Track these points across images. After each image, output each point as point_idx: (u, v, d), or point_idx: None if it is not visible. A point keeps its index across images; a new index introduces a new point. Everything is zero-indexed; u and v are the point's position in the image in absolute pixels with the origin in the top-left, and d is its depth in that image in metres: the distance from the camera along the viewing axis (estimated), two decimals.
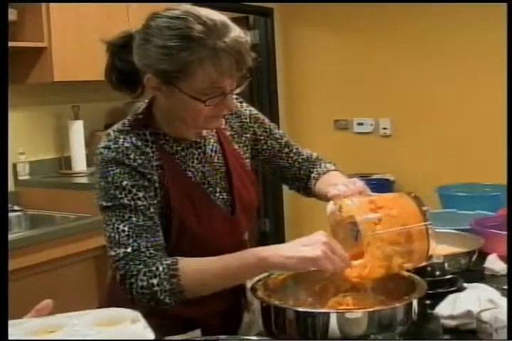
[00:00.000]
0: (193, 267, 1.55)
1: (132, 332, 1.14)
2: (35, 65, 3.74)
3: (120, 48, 1.64)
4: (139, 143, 1.62)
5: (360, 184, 1.67)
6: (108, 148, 1.61)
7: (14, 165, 3.96)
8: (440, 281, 1.90)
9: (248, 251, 1.55)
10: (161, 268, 1.54)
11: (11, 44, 3.62)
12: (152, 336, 1.12)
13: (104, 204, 1.60)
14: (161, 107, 1.67)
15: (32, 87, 3.99)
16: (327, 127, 5.58)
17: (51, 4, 3.66)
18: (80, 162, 4.11)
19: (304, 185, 1.95)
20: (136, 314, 1.20)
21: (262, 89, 5.75)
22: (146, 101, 1.73)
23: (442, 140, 5.06)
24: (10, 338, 1.14)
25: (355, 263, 1.51)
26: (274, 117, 5.69)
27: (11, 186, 3.94)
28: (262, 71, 5.70)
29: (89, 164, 4.10)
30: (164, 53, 1.50)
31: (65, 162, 4.18)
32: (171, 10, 1.56)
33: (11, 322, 1.21)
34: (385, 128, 5.34)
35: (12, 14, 3.60)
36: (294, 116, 5.75)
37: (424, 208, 1.56)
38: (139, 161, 1.60)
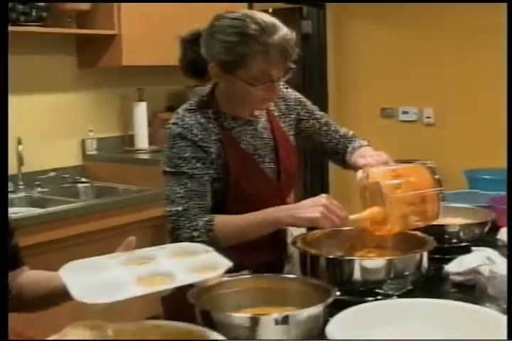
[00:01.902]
0: (225, 223, 1.93)
1: (213, 260, 1.48)
2: (106, 50, 4.06)
3: (191, 43, 1.99)
4: (203, 120, 1.97)
5: (384, 156, 2.03)
6: (176, 124, 1.98)
7: (83, 141, 4.30)
8: (456, 248, 2.20)
9: (266, 211, 1.91)
10: (200, 224, 1.92)
11: (84, 31, 3.99)
12: (229, 262, 1.44)
13: (167, 169, 1.98)
14: (222, 91, 2.01)
15: (101, 71, 4.32)
16: (374, 115, 5.81)
17: None
18: (142, 140, 4.43)
19: (341, 158, 2.28)
20: (206, 246, 1.54)
21: (313, 78, 6.00)
22: (209, 86, 2.08)
23: (480, 128, 5.25)
24: (110, 269, 1.45)
25: (377, 220, 1.85)
26: (324, 104, 5.93)
27: (79, 160, 4.30)
28: (313, 60, 5.94)
29: (150, 142, 4.45)
30: (225, 47, 1.86)
31: (129, 139, 4.51)
32: (232, 12, 1.91)
33: (106, 256, 1.54)
34: (428, 117, 5.57)
35: (85, 4, 3.95)
36: (343, 103, 5.99)
37: (437, 177, 1.88)
38: (200, 136, 1.96)
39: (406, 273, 1.77)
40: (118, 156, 4.37)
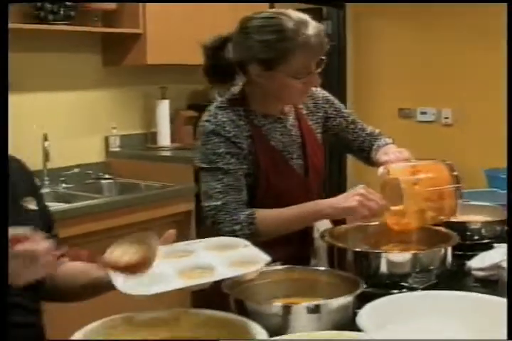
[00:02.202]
0: (266, 216, 2.00)
1: (251, 254, 1.53)
2: (131, 49, 4.12)
3: (215, 50, 2.05)
4: (234, 118, 2.03)
5: (406, 153, 2.11)
6: (209, 121, 2.04)
7: (106, 138, 4.37)
8: (478, 245, 2.25)
9: (307, 204, 1.99)
10: (242, 217, 1.98)
11: (110, 30, 4.06)
12: (268, 257, 1.50)
13: (203, 165, 2.04)
14: (257, 89, 2.07)
15: (125, 69, 4.39)
16: (392, 115, 5.85)
17: None
18: (164, 137, 4.49)
19: (367, 155, 2.34)
20: (244, 241, 1.59)
21: (332, 78, 6.02)
22: (240, 84, 2.14)
23: (498, 128, 5.27)
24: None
25: (396, 214, 1.90)
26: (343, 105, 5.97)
27: (102, 157, 4.37)
28: (332, 60, 5.98)
29: (172, 139, 4.51)
30: (265, 45, 1.94)
31: (152, 137, 4.57)
32: (261, 13, 1.99)
33: None
34: (446, 118, 5.61)
35: (111, 4, 4.02)
36: (362, 104, 6.03)
37: (455, 173, 1.94)
38: (233, 133, 2.02)
39: (431, 267, 1.83)
40: (141, 153, 4.43)
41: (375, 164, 2.28)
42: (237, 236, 1.91)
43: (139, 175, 4.19)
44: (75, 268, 1.72)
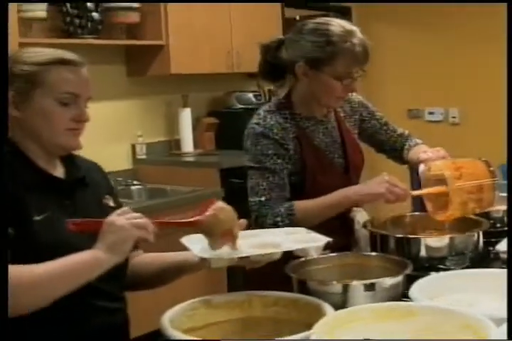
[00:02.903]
0: (303, 207, 2.20)
1: (313, 236, 1.73)
2: (155, 60, 4.34)
3: (272, 50, 2.25)
4: (281, 121, 2.24)
5: (443, 151, 2.30)
6: (258, 124, 2.24)
7: (133, 146, 4.58)
8: (500, 232, 2.43)
9: (337, 192, 2.19)
10: (282, 210, 2.19)
11: (134, 42, 4.26)
12: (329, 238, 1.69)
13: (252, 165, 2.25)
14: (301, 92, 2.29)
15: (149, 79, 4.60)
16: (401, 116, 6.03)
17: (168, 7, 4.26)
18: (187, 144, 4.70)
19: (399, 154, 2.56)
20: (306, 229, 1.79)
21: None
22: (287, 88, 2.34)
23: (500, 126, 5.44)
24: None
25: (440, 207, 2.09)
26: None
27: (129, 164, 4.58)
28: None
29: (195, 146, 4.72)
30: (316, 46, 2.15)
31: (175, 144, 4.78)
32: (314, 19, 2.23)
33: None
34: (453, 117, 5.80)
35: (135, 17, 4.23)
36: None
37: (491, 168, 2.13)
38: (280, 135, 2.22)
39: (465, 250, 2.02)
40: (166, 159, 4.65)
41: (407, 162, 2.49)
42: (279, 227, 2.11)
43: (165, 181, 4.38)
44: (152, 259, 1.91)
